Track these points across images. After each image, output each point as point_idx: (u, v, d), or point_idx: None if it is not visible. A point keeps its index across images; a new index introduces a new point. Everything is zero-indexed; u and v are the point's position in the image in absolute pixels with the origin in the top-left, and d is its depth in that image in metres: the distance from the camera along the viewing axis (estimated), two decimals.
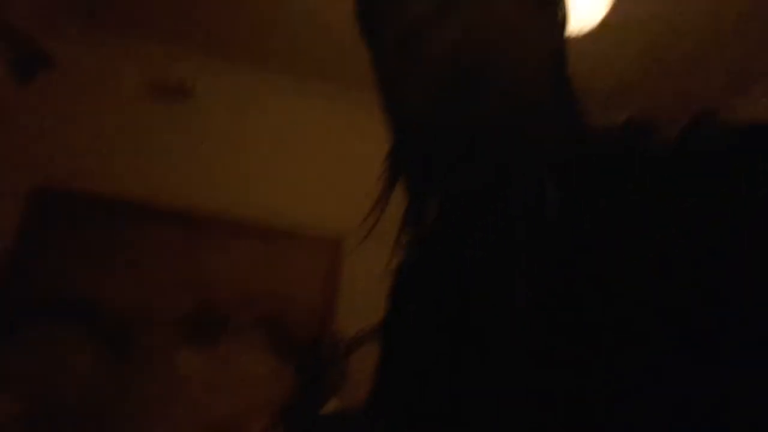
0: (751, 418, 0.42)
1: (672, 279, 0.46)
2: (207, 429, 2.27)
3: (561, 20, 0.66)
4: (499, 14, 0.59)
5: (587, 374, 0.47)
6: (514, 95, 0.57)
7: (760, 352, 0.42)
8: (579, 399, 0.47)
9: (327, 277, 2.74)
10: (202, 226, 2.72)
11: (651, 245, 0.47)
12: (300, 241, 2.77)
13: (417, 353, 0.66)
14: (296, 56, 2.92)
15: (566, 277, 0.52)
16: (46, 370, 2.32)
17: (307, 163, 3.00)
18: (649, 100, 2.79)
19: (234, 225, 2.73)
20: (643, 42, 2.59)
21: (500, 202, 0.60)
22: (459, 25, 0.58)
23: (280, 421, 2.26)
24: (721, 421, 0.42)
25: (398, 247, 0.73)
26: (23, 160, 2.70)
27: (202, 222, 2.72)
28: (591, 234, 0.51)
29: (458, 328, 0.60)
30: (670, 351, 0.44)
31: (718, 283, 0.44)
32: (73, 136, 2.82)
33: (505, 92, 0.57)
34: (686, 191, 0.48)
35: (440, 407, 0.59)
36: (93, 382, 2.34)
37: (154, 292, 2.56)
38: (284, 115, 3.08)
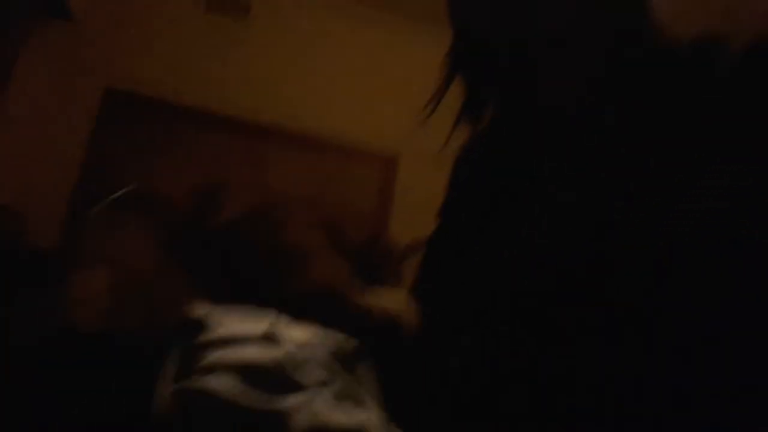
0: None
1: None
2: None
3: None
4: None
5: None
6: None
7: None
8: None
9: (381, 191, 2.90)
10: (264, 136, 2.88)
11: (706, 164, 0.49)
12: (357, 155, 2.92)
13: (462, 237, 0.72)
14: None
15: (615, 179, 0.54)
16: (122, 252, 2.54)
17: (366, 82, 3.11)
18: None
19: (294, 136, 2.88)
20: None
21: (554, 99, 0.63)
22: None
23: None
24: None
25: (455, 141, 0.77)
26: (97, 64, 2.86)
27: (265, 131, 2.88)
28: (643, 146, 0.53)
29: (502, 216, 0.65)
30: None
31: None
32: (145, 43, 2.96)
33: None
34: (745, 111, 0.47)
35: (477, 288, 0.66)
36: (164, 266, 2.56)
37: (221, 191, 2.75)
38: (342, 34, 3.18)
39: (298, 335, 0.92)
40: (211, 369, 0.84)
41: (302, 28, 3.16)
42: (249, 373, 0.84)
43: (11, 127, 2.54)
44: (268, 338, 0.88)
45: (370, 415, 0.89)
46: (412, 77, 3.02)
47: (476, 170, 0.73)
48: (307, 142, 2.90)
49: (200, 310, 0.93)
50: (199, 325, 0.89)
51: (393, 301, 0.99)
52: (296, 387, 0.86)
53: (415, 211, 2.70)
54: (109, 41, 2.91)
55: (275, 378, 0.85)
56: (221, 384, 0.82)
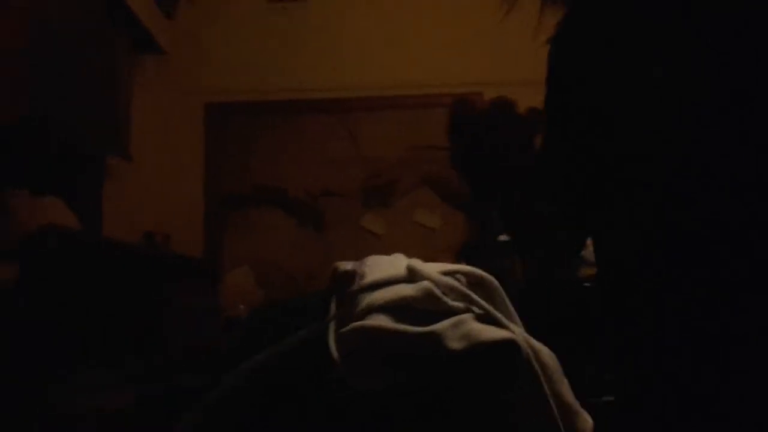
0: None
1: None
2: None
3: None
4: None
5: None
6: None
7: None
8: None
9: None
10: (355, 109, 3.00)
11: None
12: (442, 99, 2.96)
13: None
14: None
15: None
16: (264, 245, 2.80)
17: (435, 32, 3.11)
18: None
19: (383, 100, 2.97)
20: None
21: None
22: None
23: (461, 258, 2.57)
24: None
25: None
26: (196, 80, 3.10)
27: (355, 105, 3.00)
28: None
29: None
30: None
31: None
32: (227, 55, 3.16)
33: None
34: None
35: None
36: (298, 250, 2.79)
37: (330, 171, 2.93)
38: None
39: (434, 270, 1.02)
40: (368, 310, 0.95)
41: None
42: (400, 308, 0.95)
43: (138, 161, 2.85)
44: (411, 277, 0.99)
45: (513, 329, 0.97)
46: (470, 16, 3.00)
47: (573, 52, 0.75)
48: (397, 101, 2.97)
49: (347, 265, 1.05)
50: (350, 276, 1.01)
51: None
52: (443, 313, 0.95)
53: None
54: (197, 63, 3.15)
55: (424, 309, 0.95)
56: (380, 320, 0.93)
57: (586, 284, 1.84)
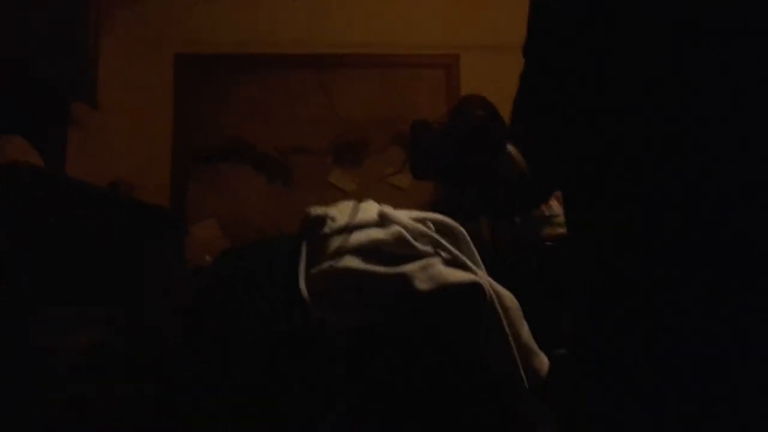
0: None
1: None
2: None
3: None
4: None
5: None
6: None
7: None
8: None
9: (449, 90, 2.95)
10: (331, 66, 2.97)
11: None
12: (420, 59, 2.97)
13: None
14: None
15: None
16: (231, 199, 2.79)
17: None
18: None
19: (360, 58, 2.95)
20: None
21: None
22: None
23: None
24: None
25: None
26: (166, 30, 3.02)
27: (331, 62, 2.97)
28: None
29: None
30: None
31: None
32: (201, 5, 3.07)
33: None
34: None
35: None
36: (266, 205, 2.79)
37: (302, 127, 2.91)
38: None
39: (405, 216, 1.05)
40: (339, 252, 0.98)
41: None
42: (371, 250, 0.98)
43: (104, 109, 2.78)
44: (382, 221, 1.02)
45: (478, 273, 1.02)
46: None
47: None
48: (373, 60, 2.96)
49: (318, 209, 1.07)
50: (321, 220, 1.04)
51: None
52: (412, 257, 0.99)
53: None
54: (168, 12, 3.06)
55: (393, 251, 0.99)
56: (350, 262, 0.97)
57: (548, 243, 1.91)
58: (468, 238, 1.07)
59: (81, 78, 2.48)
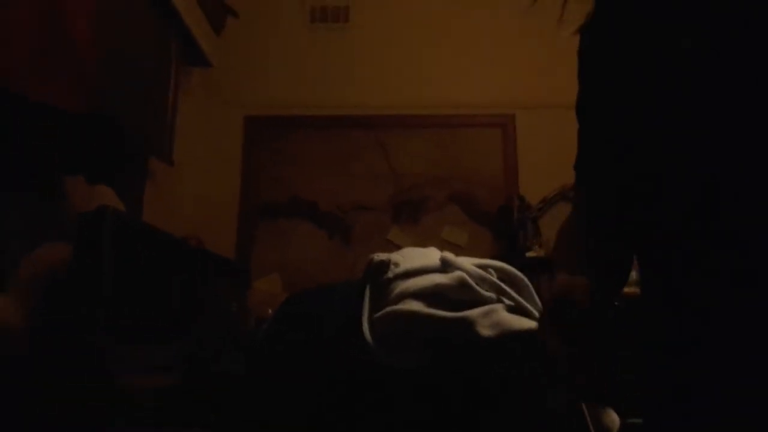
0: None
1: None
2: None
3: None
4: None
5: None
6: None
7: None
8: None
9: (505, 148, 2.98)
10: (388, 125, 3.08)
11: None
12: (476, 119, 3.03)
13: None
14: None
15: None
16: (293, 255, 2.87)
17: (465, 53, 3.19)
18: None
19: (416, 119, 3.05)
20: None
21: None
22: None
23: None
24: None
25: None
26: (237, 93, 3.23)
27: (388, 121, 3.08)
28: None
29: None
30: None
31: None
32: (269, 71, 3.28)
33: None
34: None
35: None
36: (326, 261, 2.85)
37: (360, 185, 3.00)
38: (435, 16, 3.28)
39: (467, 262, 1.06)
40: (402, 296, 1.00)
41: (394, 22, 3.31)
42: (433, 295, 0.99)
43: (178, 166, 2.96)
44: (444, 267, 1.03)
45: None
46: (505, 39, 3.08)
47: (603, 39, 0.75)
48: (430, 121, 3.04)
49: (381, 255, 1.09)
50: (384, 265, 1.06)
51: None
52: (475, 302, 0.99)
53: (540, 162, 2.78)
54: (239, 77, 3.28)
55: (456, 297, 0.99)
56: (413, 306, 0.98)
57: (616, 303, 1.85)
58: (530, 286, 1.07)
59: (160, 135, 2.65)
